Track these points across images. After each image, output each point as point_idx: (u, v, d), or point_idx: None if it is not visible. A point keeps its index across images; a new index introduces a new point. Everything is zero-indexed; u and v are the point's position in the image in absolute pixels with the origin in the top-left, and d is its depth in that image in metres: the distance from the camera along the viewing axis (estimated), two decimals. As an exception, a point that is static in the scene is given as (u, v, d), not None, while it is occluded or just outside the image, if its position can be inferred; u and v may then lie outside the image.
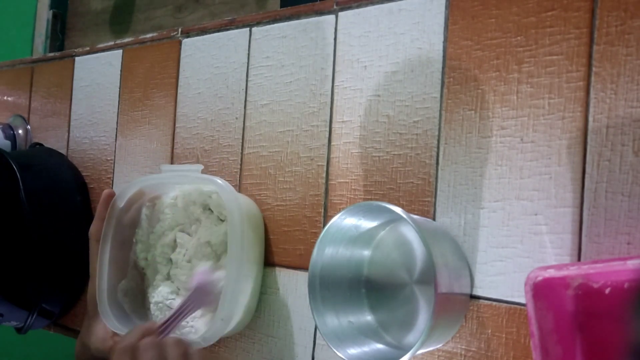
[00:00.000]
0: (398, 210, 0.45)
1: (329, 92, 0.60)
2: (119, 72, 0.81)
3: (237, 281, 0.56)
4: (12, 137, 0.94)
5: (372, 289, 0.54)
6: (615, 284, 0.39)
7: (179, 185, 0.64)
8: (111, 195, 0.65)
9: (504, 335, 0.48)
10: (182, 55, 0.73)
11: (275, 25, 0.65)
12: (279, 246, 0.62)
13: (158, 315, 0.63)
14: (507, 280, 0.48)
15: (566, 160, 0.46)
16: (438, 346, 0.51)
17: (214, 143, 0.69)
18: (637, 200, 0.43)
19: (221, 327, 0.55)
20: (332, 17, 0.60)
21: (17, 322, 0.78)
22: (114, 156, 0.80)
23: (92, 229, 0.67)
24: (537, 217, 0.47)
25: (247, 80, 0.67)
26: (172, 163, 0.73)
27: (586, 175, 0.45)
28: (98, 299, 0.62)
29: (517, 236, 0.48)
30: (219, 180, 0.58)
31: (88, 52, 0.85)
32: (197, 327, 0.60)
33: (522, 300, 0.47)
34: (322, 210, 0.60)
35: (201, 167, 0.60)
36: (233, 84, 0.68)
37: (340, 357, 0.48)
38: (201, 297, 0.57)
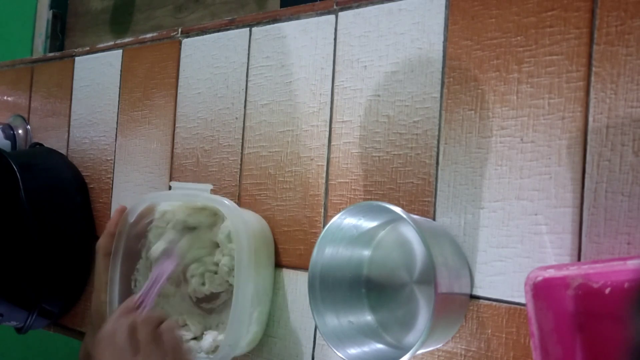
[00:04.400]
0: (398, 210, 0.45)
1: (329, 92, 0.60)
2: (119, 72, 0.81)
3: (244, 307, 0.56)
4: (12, 137, 0.94)
5: (372, 289, 0.54)
6: (615, 284, 0.39)
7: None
8: (123, 211, 0.65)
9: (504, 335, 0.48)
10: (182, 55, 0.73)
11: (275, 25, 0.65)
12: (278, 246, 0.62)
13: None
14: (507, 280, 0.48)
15: (566, 160, 0.46)
16: (438, 346, 0.51)
17: (214, 143, 0.69)
18: (637, 200, 0.43)
19: (228, 353, 0.56)
20: (332, 17, 0.60)
21: (17, 322, 0.78)
22: (114, 156, 0.80)
23: (101, 242, 0.67)
24: (537, 217, 0.47)
25: (247, 80, 0.67)
26: (172, 163, 0.73)
27: (586, 175, 0.45)
28: (109, 313, 0.62)
29: (517, 236, 0.48)
30: (227, 202, 0.58)
31: (88, 52, 0.85)
32: (203, 346, 0.60)
33: (522, 300, 0.47)
34: (322, 210, 0.60)
35: (210, 186, 0.60)
36: (233, 84, 0.68)
37: (340, 357, 0.48)
38: (167, 267, 0.60)
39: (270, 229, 0.63)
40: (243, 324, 0.56)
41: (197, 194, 0.60)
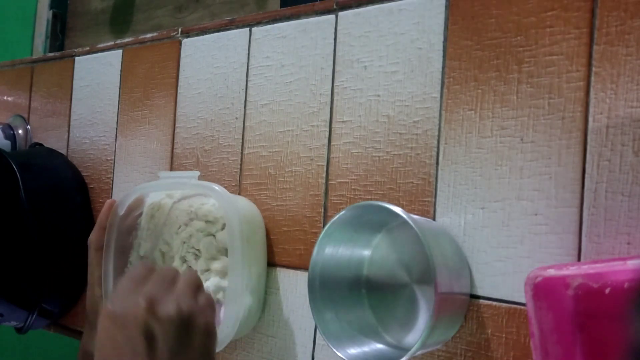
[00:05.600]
0: (398, 210, 0.45)
1: (329, 92, 0.60)
2: (119, 72, 0.81)
3: (238, 289, 0.56)
4: (12, 137, 0.94)
5: (372, 289, 0.54)
6: (615, 284, 0.39)
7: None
8: (113, 205, 0.65)
9: (504, 335, 0.48)
10: (182, 55, 0.73)
11: (275, 25, 0.65)
12: (279, 246, 0.62)
13: None
14: (507, 280, 0.48)
15: (566, 160, 0.46)
16: (438, 346, 0.51)
17: (214, 143, 0.69)
18: (637, 200, 0.43)
19: (228, 334, 0.56)
20: (332, 17, 0.60)
21: (17, 322, 0.78)
22: (114, 156, 0.80)
23: (92, 237, 0.66)
24: (537, 217, 0.47)
25: (247, 80, 0.67)
26: (172, 163, 0.73)
27: (586, 175, 0.45)
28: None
29: (517, 236, 0.48)
30: (216, 187, 0.58)
31: (88, 52, 0.85)
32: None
33: (522, 300, 0.47)
34: (322, 210, 0.60)
35: (198, 173, 0.60)
36: (233, 84, 0.68)
37: (340, 357, 0.48)
38: None
39: (270, 229, 0.63)
40: (240, 305, 0.56)
41: (185, 181, 0.60)
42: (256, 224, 0.62)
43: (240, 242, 0.56)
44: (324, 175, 0.60)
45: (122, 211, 0.64)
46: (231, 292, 0.56)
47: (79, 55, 0.87)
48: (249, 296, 0.60)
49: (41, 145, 0.90)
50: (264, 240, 0.63)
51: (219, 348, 0.56)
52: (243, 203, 0.63)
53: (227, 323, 0.56)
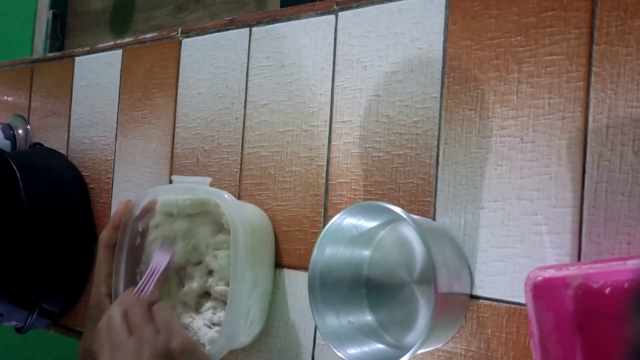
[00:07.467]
0: (398, 210, 0.45)
1: (329, 92, 0.60)
2: (119, 72, 0.81)
3: (241, 300, 0.56)
4: (12, 137, 0.94)
5: (372, 289, 0.54)
6: (615, 284, 0.39)
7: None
8: (128, 204, 0.65)
9: (504, 335, 0.48)
10: (182, 55, 0.73)
11: (275, 25, 0.65)
12: (278, 246, 0.62)
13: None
14: (507, 280, 0.48)
15: (566, 160, 0.46)
16: (438, 346, 0.51)
17: (214, 143, 0.69)
18: (637, 200, 0.43)
19: (226, 344, 0.55)
20: (332, 17, 0.60)
21: (17, 322, 0.78)
22: (114, 156, 0.80)
23: (104, 235, 0.66)
24: (537, 217, 0.47)
25: (247, 80, 0.67)
26: (172, 163, 0.73)
27: (586, 175, 0.45)
28: None
29: (517, 236, 0.48)
30: (226, 195, 0.58)
31: (88, 52, 0.85)
32: (203, 340, 0.60)
33: (522, 300, 0.47)
34: (322, 210, 0.60)
35: (209, 179, 0.61)
36: (233, 84, 0.68)
37: (340, 357, 0.48)
38: (164, 259, 0.62)
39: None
40: (240, 317, 0.56)
41: (197, 187, 0.61)
42: (264, 234, 0.61)
43: (245, 253, 0.56)
44: (324, 175, 0.60)
45: (137, 212, 0.64)
46: (233, 304, 0.55)
47: (79, 55, 0.87)
48: (253, 307, 0.60)
49: (41, 145, 0.90)
50: (271, 251, 0.62)
51: (217, 359, 0.56)
52: (252, 212, 0.62)
53: (227, 334, 0.55)
